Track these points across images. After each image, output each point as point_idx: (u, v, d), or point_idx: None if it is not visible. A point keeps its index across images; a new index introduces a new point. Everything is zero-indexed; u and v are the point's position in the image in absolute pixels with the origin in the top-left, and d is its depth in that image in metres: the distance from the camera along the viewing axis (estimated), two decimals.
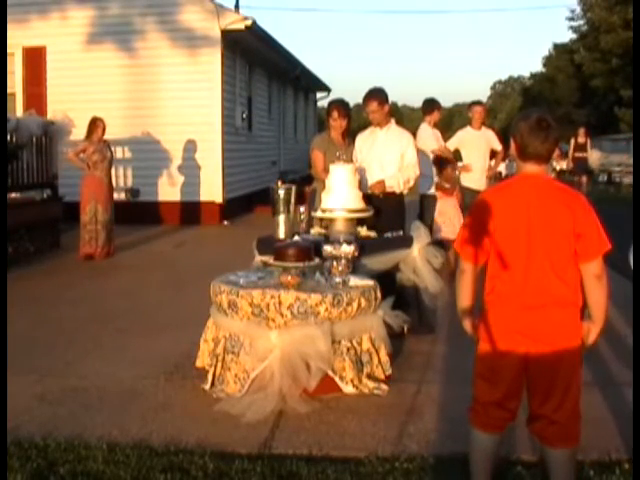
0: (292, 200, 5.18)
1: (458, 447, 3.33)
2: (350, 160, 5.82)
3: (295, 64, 17.91)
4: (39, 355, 5.07)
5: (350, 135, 6.24)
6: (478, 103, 9.30)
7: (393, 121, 6.05)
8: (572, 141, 17.61)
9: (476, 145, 8.80)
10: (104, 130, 9.07)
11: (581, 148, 17.29)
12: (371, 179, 5.83)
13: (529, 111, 2.86)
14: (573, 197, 2.77)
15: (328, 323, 4.12)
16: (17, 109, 12.26)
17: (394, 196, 5.86)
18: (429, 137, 8.17)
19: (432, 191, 8.17)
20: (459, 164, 9.08)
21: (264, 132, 16.90)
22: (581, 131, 17.51)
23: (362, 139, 6.09)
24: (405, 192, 5.97)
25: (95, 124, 9.02)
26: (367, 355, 4.31)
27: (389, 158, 5.87)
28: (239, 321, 4.24)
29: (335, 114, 6.07)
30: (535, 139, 2.73)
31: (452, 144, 8.94)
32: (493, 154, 9.38)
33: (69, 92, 12.08)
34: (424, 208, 8.23)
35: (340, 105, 6.17)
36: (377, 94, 5.92)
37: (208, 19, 12.30)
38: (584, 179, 17.01)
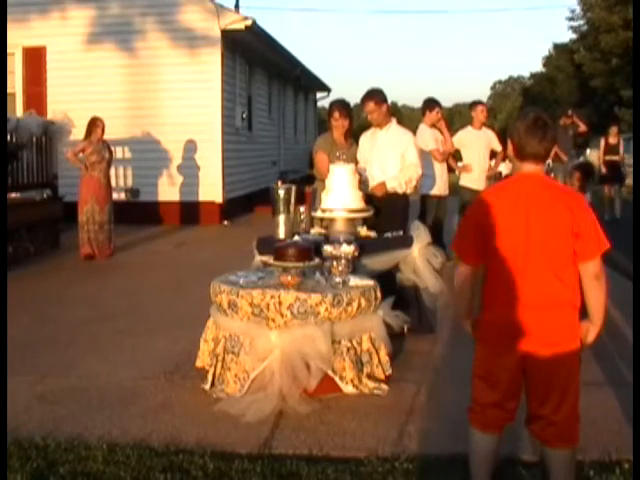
0: (292, 200, 5.18)
1: (458, 447, 3.33)
2: (352, 160, 5.82)
3: (295, 64, 17.90)
4: (39, 355, 5.07)
5: (353, 135, 6.22)
6: (480, 103, 9.33)
7: (394, 121, 6.02)
8: (602, 142, 14.38)
9: (476, 145, 8.80)
10: (103, 130, 9.07)
11: (613, 150, 14.10)
12: (372, 180, 5.82)
13: (526, 111, 2.86)
14: (571, 196, 2.77)
15: (328, 323, 4.12)
16: (17, 109, 12.26)
17: (397, 197, 5.82)
18: (428, 137, 8.16)
19: (433, 191, 8.18)
20: (459, 164, 9.09)
21: (264, 132, 16.90)
22: (613, 130, 14.33)
23: (365, 139, 6.08)
24: (408, 192, 5.92)
25: (94, 124, 9.02)
26: (367, 355, 4.31)
27: (389, 159, 5.85)
28: (239, 321, 4.24)
29: (336, 114, 6.07)
30: (532, 138, 2.73)
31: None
32: (493, 154, 9.39)
33: (69, 92, 12.07)
34: (425, 208, 8.24)
35: (341, 105, 6.16)
36: (373, 94, 5.90)
37: (208, 19, 12.29)
38: (615, 194, 13.61)
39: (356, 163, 5.95)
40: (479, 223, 2.78)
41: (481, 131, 8.94)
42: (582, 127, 12.48)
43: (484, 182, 8.72)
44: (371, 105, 5.84)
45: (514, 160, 2.84)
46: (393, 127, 5.96)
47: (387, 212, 5.65)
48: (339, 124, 6.08)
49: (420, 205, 8.27)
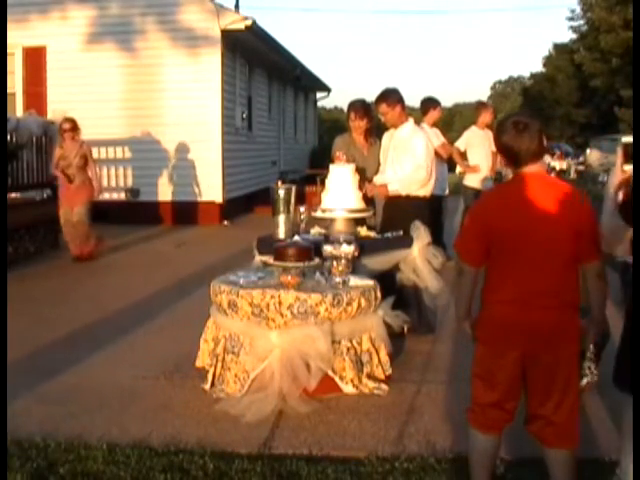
0: (292, 200, 5.18)
1: (458, 447, 3.33)
2: (374, 160, 5.82)
3: (295, 64, 17.89)
4: (39, 355, 5.07)
5: (375, 135, 6.16)
6: (487, 105, 9.38)
7: (410, 121, 5.79)
8: None
9: (482, 145, 8.81)
10: (73, 130, 8.84)
11: None
12: (384, 182, 5.74)
13: (501, 122, 2.83)
14: (574, 196, 2.76)
15: (328, 323, 4.12)
16: (17, 109, 12.26)
17: (400, 200, 5.63)
18: (431, 136, 8.14)
19: (436, 192, 8.16)
20: (466, 164, 9.07)
21: (264, 132, 16.89)
22: None
23: (385, 139, 5.94)
24: (421, 195, 5.66)
25: (59, 127, 8.93)
26: (367, 355, 4.32)
27: (402, 160, 5.66)
28: (239, 321, 4.24)
29: (352, 115, 6.02)
30: (521, 143, 2.72)
31: (461, 145, 8.92)
32: None
33: (69, 92, 12.07)
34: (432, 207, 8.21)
35: (358, 106, 6.07)
36: (385, 96, 5.73)
37: (208, 19, 12.30)
38: None
39: (379, 163, 5.92)
40: (482, 223, 2.79)
41: (484, 131, 8.95)
42: None
43: (489, 182, 8.72)
44: (383, 107, 5.69)
45: (513, 169, 2.82)
46: (405, 128, 5.73)
47: (390, 215, 5.60)
48: (356, 125, 6.02)
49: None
